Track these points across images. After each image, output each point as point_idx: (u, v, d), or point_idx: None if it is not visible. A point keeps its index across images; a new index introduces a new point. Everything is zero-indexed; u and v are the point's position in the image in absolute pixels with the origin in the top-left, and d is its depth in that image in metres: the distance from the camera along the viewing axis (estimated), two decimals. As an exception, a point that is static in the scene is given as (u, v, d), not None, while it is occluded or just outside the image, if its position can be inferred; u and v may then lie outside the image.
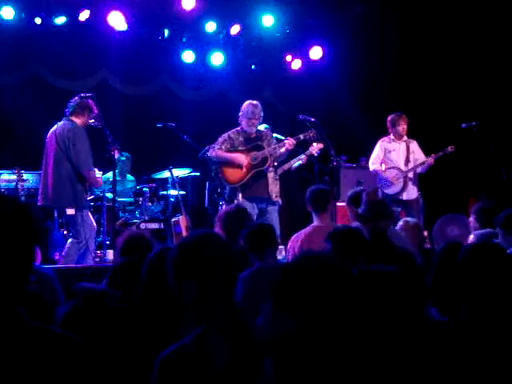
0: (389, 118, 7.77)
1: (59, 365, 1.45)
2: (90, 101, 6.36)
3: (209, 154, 6.98)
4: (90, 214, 6.51)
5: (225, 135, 6.98)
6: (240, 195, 6.76)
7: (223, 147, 6.88)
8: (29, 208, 1.57)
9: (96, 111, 6.34)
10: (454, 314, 2.45)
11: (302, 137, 6.90)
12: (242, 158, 6.80)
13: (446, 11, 9.27)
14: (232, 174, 6.84)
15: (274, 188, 6.86)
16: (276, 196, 6.85)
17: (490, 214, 5.17)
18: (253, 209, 6.62)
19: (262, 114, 6.89)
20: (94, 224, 6.54)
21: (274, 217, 6.73)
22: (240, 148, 6.88)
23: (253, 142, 6.90)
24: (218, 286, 2.02)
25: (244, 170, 6.79)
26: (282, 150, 6.84)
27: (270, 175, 6.88)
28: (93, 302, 3.30)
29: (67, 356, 1.46)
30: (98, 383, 1.53)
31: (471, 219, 5.72)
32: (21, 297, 1.49)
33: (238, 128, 6.94)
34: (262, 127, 8.26)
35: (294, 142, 6.81)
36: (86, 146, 6.19)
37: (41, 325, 1.51)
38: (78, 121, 6.28)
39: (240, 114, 6.88)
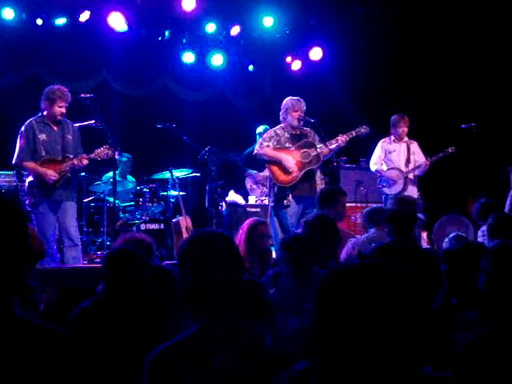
0: (391, 118, 7.79)
1: (49, 357, 1.47)
2: (49, 88, 6.20)
3: (256, 151, 6.77)
4: (38, 214, 6.08)
5: (271, 131, 6.81)
6: (290, 195, 6.53)
7: (270, 144, 6.66)
8: (16, 204, 1.58)
9: (64, 97, 6.12)
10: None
11: (354, 133, 6.76)
12: (291, 159, 6.57)
13: (446, 12, 9.28)
14: (283, 173, 6.59)
15: (321, 187, 6.63)
16: None
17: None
18: (298, 210, 6.49)
19: (305, 108, 6.68)
20: (50, 223, 6.12)
21: None
22: (287, 145, 6.67)
23: (298, 139, 6.69)
24: (220, 285, 2.02)
25: (296, 168, 6.57)
26: (333, 146, 6.62)
27: (317, 174, 6.70)
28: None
29: (55, 349, 1.49)
30: (84, 374, 1.55)
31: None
32: (15, 293, 1.52)
33: (282, 125, 6.75)
34: (261, 128, 8.27)
35: (347, 138, 6.66)
36: (20, 139, 6.16)
37: (31, 319, 1.53)
38: (45, 113, 6.21)
39: (282, 110, 6.71)
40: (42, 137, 6.13)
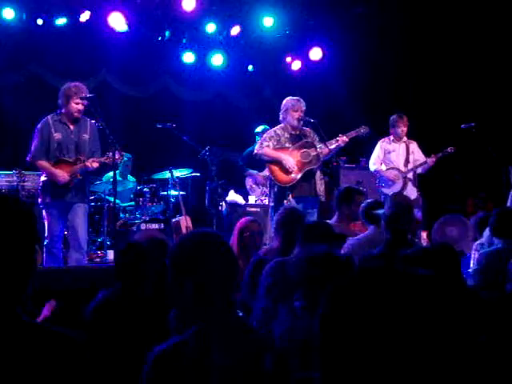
0: (390, 118, 7.80)
1: (56, 361, 1.47)
2: (66, 85, 6.13)
3: (256, 151, 6.76)
4: (49, 213, 6.02)
5: (271, 131, 6.81)
6: (290, 195, 6.51)
7: (270, 144, 6.65)
8: (27, 206, 1.58)
9: (79, 93, 6.03)
10: None
11: (354, 133, 6.75)
12: (291, 159, 6.56)
13: (446, 12, 9.29)
14: (282, 173, 6.58)
15: (321, 187, 6.66)
16: (322, 196, 6.64)
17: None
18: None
19: (305, 108, 6.66)
20: (59, 224, 6.05)
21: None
22: (287, 145, 6.65)
23: (298, 139, 6.68)
24: (218, 285, 2.02)
25: (296, 169, 6.56)
26: (333, 146, 6.62)
27: (317, 174, 6.69)
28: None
29: (64, 353, 1.49)
30: (93, 379, 1.54)
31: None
32: (21, 296, 1.51)
33: (282, 125, 6.74)
34: (260, 128, 8.28)
35: (347, 138, 6.64)
36: (35, 136, 6.07)
37: (38, 323, 1.53)
38: (62, 110, 6.14)
39: (282, 110, 6.70)
40: (57, 136, 6.06)
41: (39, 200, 6.14)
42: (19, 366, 1.44)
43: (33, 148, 6.07)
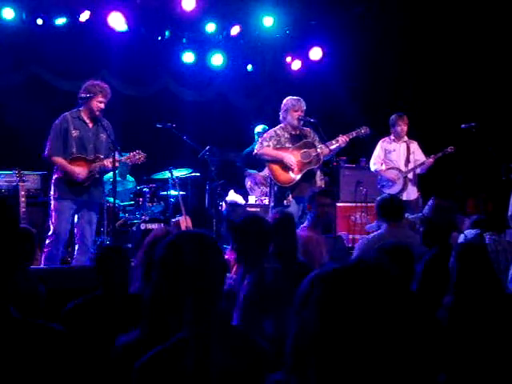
0: (390, 118, 7.80)
1: (46, 355, 1.47)
2: (90, 82, 6.08)
3: (256, 151, 6.75)
4: (58, 210, 5.95)
5: (271, 131, 6.80)
6: (290, 195, 6.52)
7: (270, 144, 6.64)
8: (6, 203, 1.58)
9: (104, 93, 6.01)
10: None
11: (354, 133, 6.73)
12: (292, 157, 6.54)
13: (446, 12, 9.29)
14: (283, 173, 6.58)
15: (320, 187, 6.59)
16: None
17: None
18: (298, 210, 6.44)
19: (305, 108, 6.65)
20: (69, 226, 6.03)
21: None
22: (287, 145, 6.64)
23: (298, 139, 6.67)
24: (207, 289, 1.97)
25: (296, 168, 6.55)
26: (333, 146, 6.60)
27: (317, 174, 6.68)
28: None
29: (53, 347, 1.49)
30: (82, 373, 1.54)
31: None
32: (7, 292, 1.51)
33: (282, 125, 6.73)
34: (260, 128, 8.28)
35: (347, 138, 6.63)
36: (52, 132, 6.00)
37: (27, 318, 1.53)
38: (82, 108, 6.10)
39: (282, 110, 6.69)
40: (76, 133, 5.99)
41: (51, 193, 6.06)
42: (10, 359, 1.44)
43: (49, 144, 5.99)
